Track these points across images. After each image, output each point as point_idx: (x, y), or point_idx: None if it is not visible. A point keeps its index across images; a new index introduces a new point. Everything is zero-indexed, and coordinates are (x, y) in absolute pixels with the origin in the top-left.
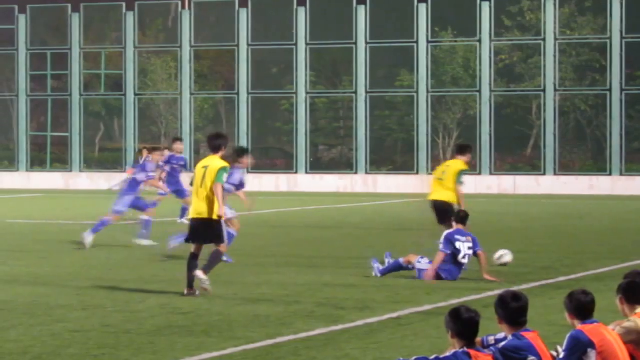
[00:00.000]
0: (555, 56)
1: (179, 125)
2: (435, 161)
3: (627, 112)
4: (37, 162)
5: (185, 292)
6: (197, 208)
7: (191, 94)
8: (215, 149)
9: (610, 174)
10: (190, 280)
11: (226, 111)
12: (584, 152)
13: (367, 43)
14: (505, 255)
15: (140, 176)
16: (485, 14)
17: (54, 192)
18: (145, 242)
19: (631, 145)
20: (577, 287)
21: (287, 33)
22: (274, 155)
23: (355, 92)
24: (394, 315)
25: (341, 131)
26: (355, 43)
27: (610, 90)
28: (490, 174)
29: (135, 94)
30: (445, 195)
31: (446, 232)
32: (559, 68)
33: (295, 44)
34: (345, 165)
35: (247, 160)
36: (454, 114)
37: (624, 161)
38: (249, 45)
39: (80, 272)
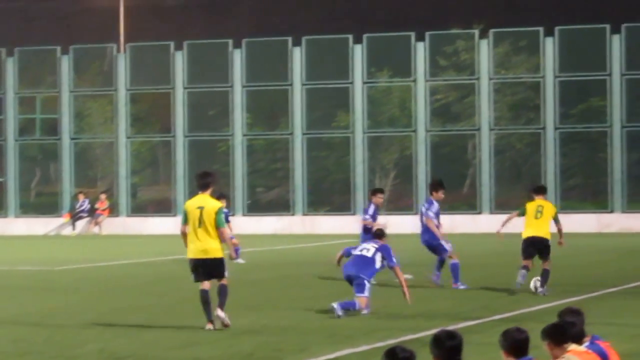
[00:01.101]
0: (490, 95)
1: (115, 169)
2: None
3: (562, 150)
4: None
5: (207, 326)
6: (197, 248)
7: (127, 137)
8: (204, 187)
9: None
10: (209, 314)
11: (163, 154)
12: (520, 190)
13: (303, 84)
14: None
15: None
16: (420, 54)
17: None
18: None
19: (566, 182)
20: (512, 325)
21: (223, 75)
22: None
23: (292, 134)
24: (332, 356)
25: (279, 172)
26: (291, 84)
27: (544, 128)
28: None
29: (71, 138)
30: (544, 232)
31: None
32: (494, 107)
33: (231, 86)
34: (283, 206)
35: (442, 194)
36: (391, 154)
37: (559, 199)
38: (184, 88)
39: (16, 318)
